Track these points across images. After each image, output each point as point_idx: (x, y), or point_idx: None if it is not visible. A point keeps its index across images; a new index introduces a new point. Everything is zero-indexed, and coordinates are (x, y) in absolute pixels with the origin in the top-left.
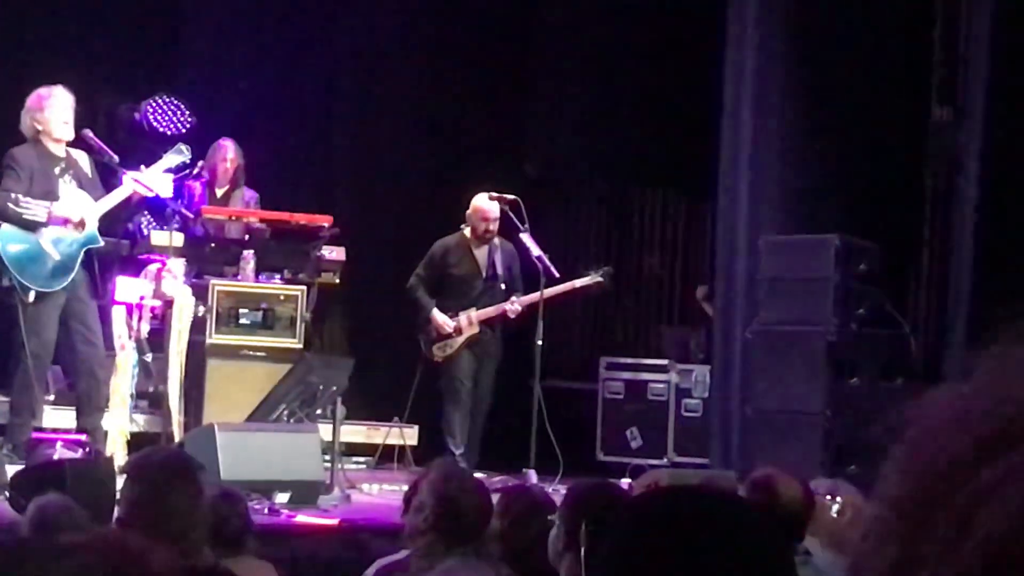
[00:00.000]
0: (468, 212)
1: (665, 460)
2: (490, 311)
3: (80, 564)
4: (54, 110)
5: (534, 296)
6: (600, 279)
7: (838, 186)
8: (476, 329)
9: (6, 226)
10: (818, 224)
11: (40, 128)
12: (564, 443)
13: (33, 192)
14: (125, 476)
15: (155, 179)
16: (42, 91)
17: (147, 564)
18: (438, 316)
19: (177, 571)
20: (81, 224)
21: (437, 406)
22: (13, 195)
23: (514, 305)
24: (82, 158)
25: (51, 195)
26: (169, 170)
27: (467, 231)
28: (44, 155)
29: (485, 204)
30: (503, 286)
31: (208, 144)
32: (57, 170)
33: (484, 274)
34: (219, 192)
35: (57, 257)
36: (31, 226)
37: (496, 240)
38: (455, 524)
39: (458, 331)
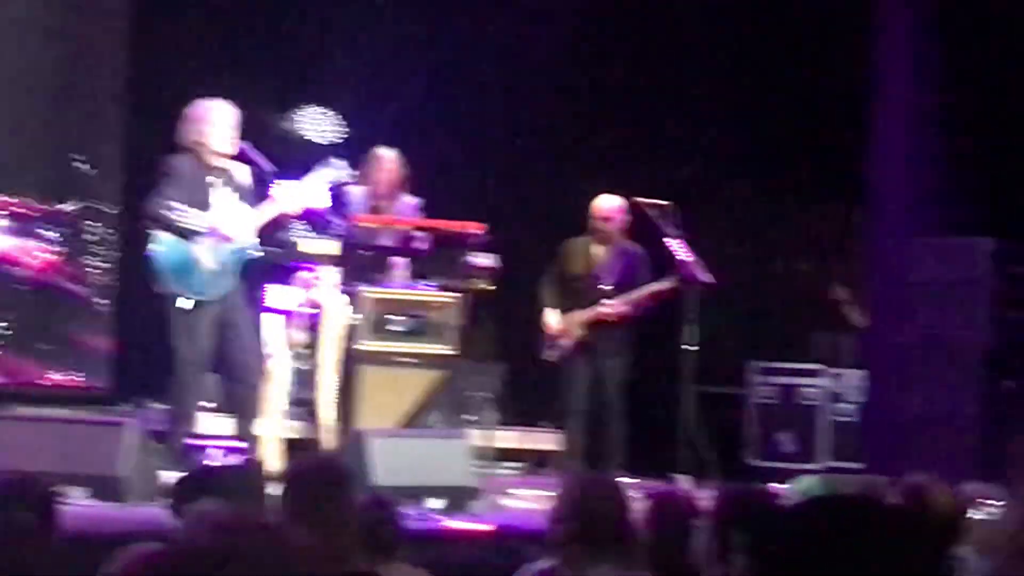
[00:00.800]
0: (590, 212)
1: (817, 465)
2: (588, 314)
3: (223, 543)
4: (216, 124)
5: (623, 299)
6: (674, 284)
7: (991, 188)
8: (581, 332)
9: (164, 234)
10: (970, 227)
11: (201, 141)
12: (715, 448)
13: (189, 202)
14: (280, 483)
15: (309, 190)
16: (205, 103)
17: (285, 539)
18: (548, 317)
19: (318, 552)
20: (228, 238)
21: (591, 411)
22: (172, 203)
23: (606, 308)
24: (239, 169)
25: (207, 205)
26: (324, 184)
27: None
28: (201, 165)
29: (601, 203)
30: (610, 287)
31: (360, 153)
32: (214, 180)
33: (596, 275)
34: (378, 201)
35: (213, 266)
36: (189, 234)
37: (624, 242)
38: (594, 532)
39: (564, 334)
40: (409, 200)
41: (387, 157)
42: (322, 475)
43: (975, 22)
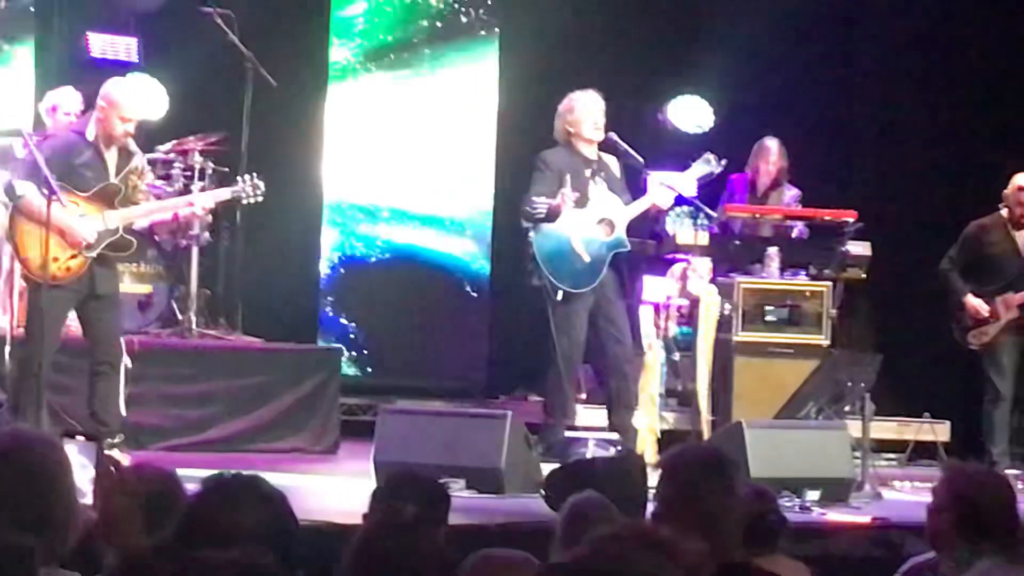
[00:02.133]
0: (1006, 192)
1: None
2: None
3: (612, 551)
4: (585, 112)
5: None
6: None
7: None
8: (1015, 313)
9: (543, 226)
10: None
11: (571, 131)
12: None
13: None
14: (659, 472)
15: (680, 183)
16: (575, 94)
17: (676, 552)
18: (972, 300)
19: (706, 561)
20: (610, 227)
21: (970, 400)
22: (535, 200)
23: None
24: (611, 161)
25: (581, 198)
26: (695, 178)
27: (1004, 212)
28: (575, 157)
29: (1021, 181)
30: None
31: (729, 142)
32: (587, 172)
33: (1022, 255)
34: (760, 191)
35: (587, 259)
36: (544, 221)
37: None
38: (977, 525)
39: (995, 315)
40: (791, 190)
41: (773, 148)
42: (702, 465)
43: None
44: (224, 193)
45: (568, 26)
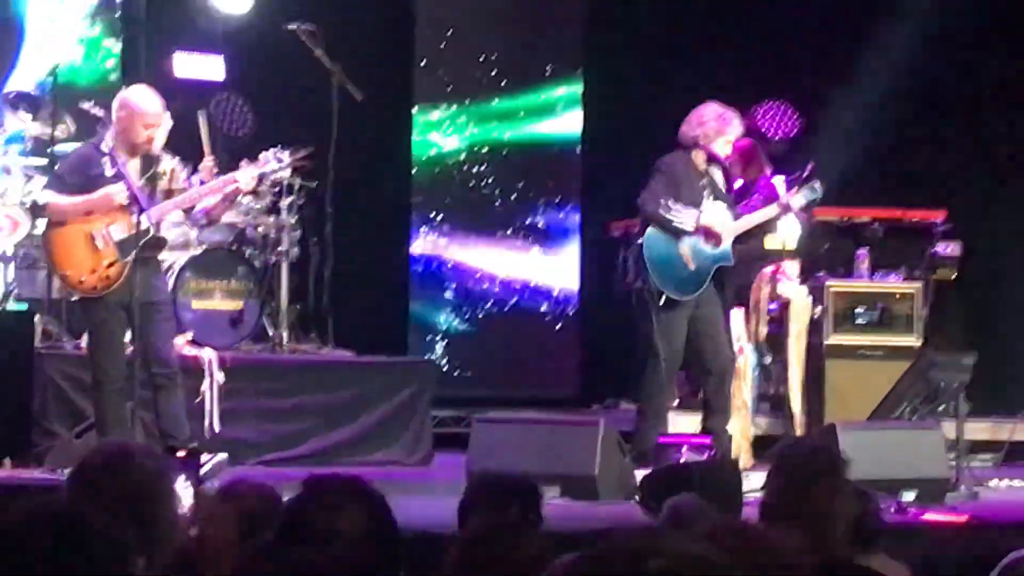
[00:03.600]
0: None
1: None
2: None
3: (711, 548)
4: (730, 136)
5: None
6: None
7: None
8: None
9: (652, 228)
10: None
11: (702, 142)
12: None
13: (683, 201)
14: (771, 464)
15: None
16: (728, 115)
17: (774, 547)
18: None
19: (804, 558)
20: (718, 239)
21: None
22: (663, 200)
23: None
24: (716, 174)
25: (699, 207)
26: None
27: None
28: (691, 167)
29: None
30: None
31: (813, 146)
32: (701, 184)
33: None
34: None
35: (692, 267)
36: (676, 233)
37: None
38: None
39: None
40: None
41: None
42: (813, 460)
43: None
44: (249, 171)
45: (657, 33)
